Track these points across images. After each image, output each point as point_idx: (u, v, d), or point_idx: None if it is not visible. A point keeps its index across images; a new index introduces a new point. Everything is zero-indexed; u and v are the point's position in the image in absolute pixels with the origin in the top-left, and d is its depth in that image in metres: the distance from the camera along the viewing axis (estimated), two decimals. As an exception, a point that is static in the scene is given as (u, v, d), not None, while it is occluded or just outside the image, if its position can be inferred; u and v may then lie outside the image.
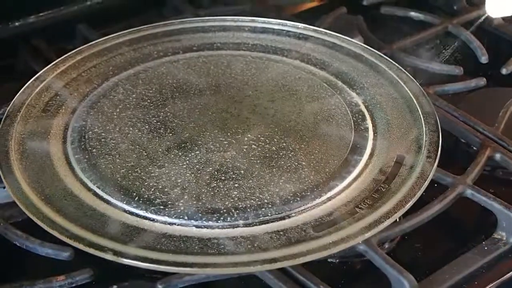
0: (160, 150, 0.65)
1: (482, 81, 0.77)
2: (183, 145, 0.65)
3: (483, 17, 0.74)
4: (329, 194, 0.60)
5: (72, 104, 0.70)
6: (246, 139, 0.66)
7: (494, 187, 0.65)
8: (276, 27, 0.81)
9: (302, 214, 0.59)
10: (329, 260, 0.61)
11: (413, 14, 0.90)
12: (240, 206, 0.59)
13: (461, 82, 0.77)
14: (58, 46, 0.82)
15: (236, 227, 0.58)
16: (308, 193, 0.60)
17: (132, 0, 0.91)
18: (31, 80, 0.72)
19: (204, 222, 0.58)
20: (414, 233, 0.61)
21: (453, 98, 0.76)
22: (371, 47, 0.78)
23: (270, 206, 0.59)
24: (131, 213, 0.59)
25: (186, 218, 0.58)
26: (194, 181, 0.61)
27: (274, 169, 0.62)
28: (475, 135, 0.70)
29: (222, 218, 0.58)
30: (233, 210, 0.59)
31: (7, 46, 0.83)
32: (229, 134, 0.66)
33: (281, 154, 0.64)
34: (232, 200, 0.60)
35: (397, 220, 0.59)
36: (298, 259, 0.55)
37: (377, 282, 0.58)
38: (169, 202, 0.59)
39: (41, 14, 0.85)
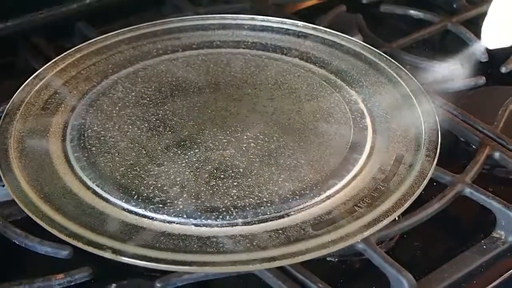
0: (159, 148, 0.65)
1: (481, 80, 0.77)
2: (182, 143, 0.65)
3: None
4: (328, 193, 0.60)
5: (71, 102, 0.70)
6: (245, 137, 0.66)
7: (493, 185, 0.65)
8: (275, 25, 0.81)
9: (301, 212, 0.59)
10: (328, 258, 0.60)
11: (412, 12, 0.90)
12: (239, 204, 0.59)
13: (461, 81, 0.77)
14: (57, 44, 0.82)
15: (235, 226, 0.58)
16: (307, 192, 0.60)
17: (131, -2, 0.91)
18: (30, 78, 0.72)
19: (203, 220, 0.58)
20: (413, 232, 0.61)
21: (452, 96, 0.76)
22: (370, 45, 0.78)
23: (269, 204, 0.59)
24: (130, 212, 0.59)
25: (185, 216, 0.58)
26: (193, 179, 0.61)
27: (273, 168, 0.62)
28: (474, 133, 0.70)
29: (221, 217, 0.58)
30: (232, 209, 0.59)
31: (7, 44, 0.83)
32: (228, 132, 0.66)
33: (280, 152, 0.64)
34: (231, 199, 0.60)
35: (396, 218, 0.59)
36: (297, 258, 0.55)
37: (376, 281, 0.58)
38: (168, 201, 0.59)
39: (40, 12, 0.85)
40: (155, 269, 0.55)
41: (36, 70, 0.73)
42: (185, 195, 0.60)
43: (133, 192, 0.60)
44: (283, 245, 0.56)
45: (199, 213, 0.58)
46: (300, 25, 0.81)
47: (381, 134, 0.66)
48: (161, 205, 0.59)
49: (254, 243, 0.56)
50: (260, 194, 0.60)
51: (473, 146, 0.69)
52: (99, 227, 0.57)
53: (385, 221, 0.58)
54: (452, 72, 0.78)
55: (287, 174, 0.62)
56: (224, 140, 0.65)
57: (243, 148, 0.65)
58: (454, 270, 0.59)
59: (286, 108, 0.70)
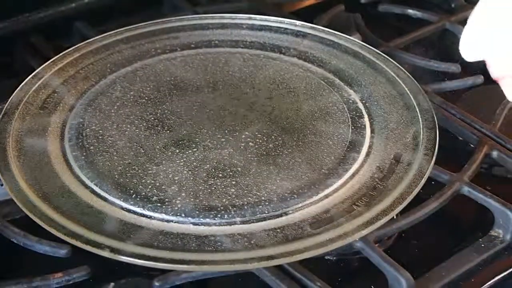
0: (158, 147, 0.65)
1: (479, 79, 0.77)
2: (180, 142, 0.65)
3: None
4: (326, 192, 0.60)
5: (69, 101, 0.70)
6: (243, 136, 0.66)
7: (491, 184, 0.65)
8: (274, 24, 0.81)
9: (299, 211, 0.59)
10: (326, 257, 0.61)
11: (410, 11, 0.90)
12: (237, 203, 0.59)
13: (459, 80, 0.77)
14: (56, 43, 0.82)
15: (233, 225, 0.58)
16: (305, 191, 0.60)
17: (130, -2, 0.91)
18: (28, 78, 0.72)
19: (201, 219, 0.58)
20: (411, 231, 0.61)
21: (450, 95, 0.76)
22: (369, 44, 0.78)
23: (267, 203, 0.59)
24: (128, 211, 0.59)
25: (183, 215, 0.58)
26: (191, 178, 0.61)
27: (271, 167, 0.63)
28: (472, 132, 0.70)
29: (219, 216, 0.58)
30: (230, 208, 0.59)
31: (5, 43, 0.83)
32: (226, 131, 0.66)
33: (278, 151, 0.64)
34: (229, 198, 0.60)
35: (394, 217, 0.59)
36: (295, 257, 0.55)
37: (374, 280, 0.58)
38: (166, 200, 0.59)
39: (39, 11, 0.85)
40: (154, 268, 0.55)
41: (35, 70, 0.73)
42: (183, 194, 0.60)
43: (131, 191, 0.60)
44: (281, 243, 0.56)
45: (197, 212, 0.58)
46: (298, 25, 0.81)
47: (379, 133, 0.67)
48: (159, 204, 0.59)
49: (252, 242, 0.56)
50: (258, 193, 0.60)
51: (471, 145, 0.69)
52: (98, 226, 0.57)
53: (383, 220, 0.58)
54: (450, 71, 0.78)
55: (285, 173, 0.62)
56: (222, 139, 0.65)
57: (241, 147, 0.65)
58: (452, 269, 0.59)
59: (284, 107, 0.70)
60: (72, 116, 0.68)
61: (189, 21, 0.82)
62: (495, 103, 0.74)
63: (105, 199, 0.60)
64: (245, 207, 0.59)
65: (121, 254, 0.54)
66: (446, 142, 0.67)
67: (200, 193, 0.60)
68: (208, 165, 0.63)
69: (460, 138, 0.71)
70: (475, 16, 0.59)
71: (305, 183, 0.61)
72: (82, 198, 0.60)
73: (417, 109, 0.68)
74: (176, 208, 0.59)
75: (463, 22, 0.85)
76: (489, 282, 0.59)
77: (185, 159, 0.63)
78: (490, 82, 0.78)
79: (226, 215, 0.58)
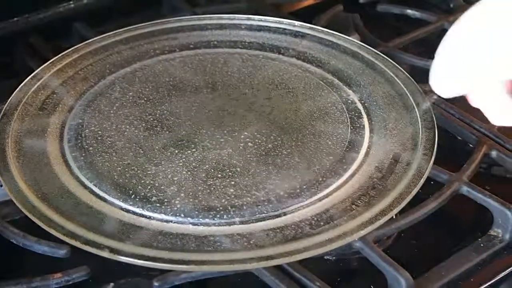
0: (157, 148, 0.65)
1: (478, 79, 0.77)
2: (179, 143, 0.65)
3: None
4: (325, 192, 0.61)
5: (69, 102, 0.70)
6: (242, 137, 0.66)
7: (490, 184, 0.65)
8: (272, 25, 0.81)
9: (299, 211, 0.59)
10: (325, 257, 0.61)
11: (409, 11, 0.90)
12: (237, 203, 0.59)
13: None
14: (55, 44, 0.82)
15: (232, 225, 0.58)
16: (304, 191, 0.60)
17: (128, -2, 0.91)
18: (28, 78, 0.72)
19: (201, 219, 0.58)
20: (410, 230, 0.61)
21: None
22: (367, 45, 0.78)
23: (266, 203, 0.59)
24: (128, 211, 0.59)
25: (182, 215, 0.58)
26: (191, 178, 0.61)
27: (270, 167, 0.63)
28: (471, 132, 0.70)
29: (218, 216, 0.58)
30: (229, 208, 0.59)
31: (4, 44, 0.83)
32: (225, 132, 0.66)
33: (277, 151, 0.64)
34: (228, 198, 0.60)
35: (394, 217, 0.59)
36: (294, 256, 0.55)
37: (374, 279, 0.58)
38: (166, 200, 0.59)
39: (38, 12, 0.85)
40: (153, 268, 0.55)
41: (34, 71, 0.73)
42: (182, 194, 0.60)
43: (131, 192, 0.60)
44: (281, 243, 0.56)
45: (196, 212, 0.58)
46: (297, 25, 0.81)
47: (378, 133, 0.67)
48: (158, 204, 0.59)
49: (252, 242, 0.56)
50: (257, 193, 0.60)
51: (470, 145, 0.69)
52: (97, 226, 0.57)
53: (383, 220, 0.58)
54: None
55: (284, 173, 0.62)
56: (222, 140, 0.65)
57: (240, 148, 0.65)
58: (451, 268, 0.59)
59: (283, 108, 0.70)
60: (71, 117, 0.68)
61: (187, 21, 0.82)
62: (494, 103, 0.74)
63: (104, 200, 0.60)
64: (244, 207, 0.59)
65: (120, 254, 0.54)
66: (445, 142, 0.67)
67: (199, 193, 0.60)
68: (207, 166, 0.63)
69: (459, 138, 0.71)
70: (444, 50, 0.58)
71: (304, 183, 0.61)
72: (82, 198, 0.60)
73: (416, 109, 0.68)
74: (175, 208, 0.59)
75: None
76: (489, 282, 0.59)
77: (184, 159, 0.63)
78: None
79: (225, 215, 0.58)
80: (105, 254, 0.55)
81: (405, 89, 0.71)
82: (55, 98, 0.71)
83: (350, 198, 0.60)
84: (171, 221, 0.58)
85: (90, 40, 0.78)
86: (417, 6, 0.91)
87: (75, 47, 0.77)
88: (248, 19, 0.82)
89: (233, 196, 0.60)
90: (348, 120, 0.68)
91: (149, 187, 0.61)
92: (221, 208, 0.59)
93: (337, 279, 0.60)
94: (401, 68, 0.74)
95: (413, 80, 0.72)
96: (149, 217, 0.58)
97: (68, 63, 0.75)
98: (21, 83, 0.71)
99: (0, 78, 0.80)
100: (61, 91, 0.71)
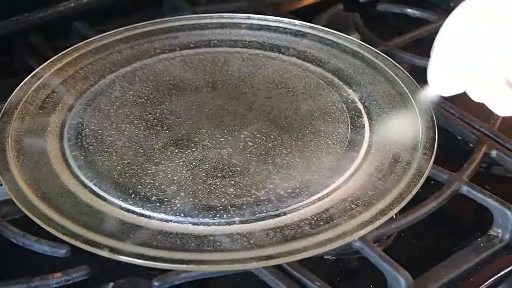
0: (157, 147, 0.65)
1: (478, 78, 0.77)
2: (179, 142, 0.65)
3: None
4: (325, 191, 0.61)
5: (69, 101, 0.70)
6: (242, 136, 0.66)
7: (490, 184, 0.65)
8: (273, 24, 0.81)
9: (298, 211, 0.59)
10: (325, 257, 0.61)
11: (409, 11, 0.90)
12: (236, 203, 0.59)
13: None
14: (55, 43, 0.82)
15: (232, 224, 0.58)
16: (304, 190, 0.60)
17: (129, -3, 0.91)
18: (28, 77, 0.72)
19: (201, 219, 0.58)
20: (410, 230, 0.61)
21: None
22: (367, 44, 0.78)
23: (266, 203, 0.59)
24: (128, 210, 0.59)
25: (182, 215, 0.58)
26: (191, 178, 0.61)
27: (270, 166, 0.63)
28: (471, 131, 0.70)
29: (218, 215, 0.58)
30: (229, 207, 0.59)
31: (4, 43, 0.83)
32: (225, 131, 0.66)
33: (277, 151, 0.64)
34: (228, 197, 0.60)
35: (393, 217, 0.59)
36: (294, 256, 0.55)
37: (373, 279, 0.58)
38: (166, 199, 0.59)
39: (38, 11, 0.85)
40: (153, 268, 0.55)
41: (34, 69, 0.73)
42: (182, 194, 0.60)
43: (131, 191, 0.60)
44: (280, 243, 0.56)
45: (196, 212, 0.58)
46: (297, 24, 0.81)
47: (378, 133, 0.67)
48: (158, 204, 0.59)
49: (251, 242, 0.56)
50: (257, 193, 0.60)
51: (470, 144, 0.69)
52: (97, 225, 0.57)
53: (382, 219, 0.58)
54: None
55: (284, 172, 0.62)
56: (222, 139, 0.65)
57: (240, 147, 0.65)
58: (451, 268, 0.59)
59: (283, 107, 0.70)
60: (71, 116, 0.68)
61: (188, 20, 0.82)
62: (494, 103, 0.74)
63: (104, 199, 0.60)
64: (244, 207, 0.59)
65: (120, 253, 0.54)
66: (445, 141, 0.67)
67: (199, 192, 0.60)
68: (207, 165, 0.63)
69: (459, 138, 0.71)
70: (441, 48, 0.58)
71: (304, 182, 0.61)
72: (81, 198, 0.60)
73: (416, 109, 0.68)
74: (175, 207, 0.59)
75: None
76: (488, 282, 0.59)
77: (184, 158, 0.63)
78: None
79: (225, 215, 0.58)
80: (105, 253, 0.55)
81: (405, 88, 0.71)
82: (55, 97, 0.71)
83: (350, 198, 0.60)
84: (171, 221, 0.58)
85: (90, 39, 0.78)
86: (417, 5, 0.91)
87: (75, 46, 0.77)
88: (249, 18, 0.82)
89: (233, 196, 0.60)
90: (348, 120, 0.68)
91: (149, 186, 0.61)
92: (221, 207, 0.59)
93: (337, 278, 0.60)
94: (401, 68, 0.74)
95: (413, 79, 0.72)
96: (149, 217, 0.58)
97: (68, 62, 0.75)
98: (21, 82, 0.71)
99: (0, 77, 0.80)
100: (61, 90, 0.71)
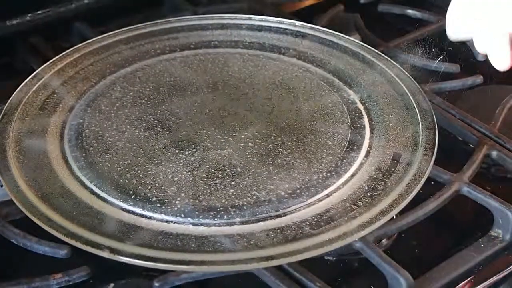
0: (157, 148, 0.65)
1: (479, 79, 0.77)
2: (180, 143, 0.65)
3: None
4: (325, 192, 0.61)
5: (69, 102, 0.70)
6: (243, 137, 0.66)
7: (490, 184, 0.65)
8: (273, 25, 0.81)
9: (299, 211, 0.59)
10: (326, 257, 0.61)
11: (410, 11, 0.90)
12: (237, 204, 0.59)
13: (458, 80, 0.77)
14: (55, 44, 0.83)
15: (232, 225, 0.58)
16: (305, 191, 0.60)
17: (129, -2, 0.91)
18: (28, 78, 0.72)
19: (201, 220, 0.58)
20: (410, 231, 0.61)
21: (450, 95, 0.76)
22: (368, 45, 0.78)
23: (266, 203, 0.59)
24: (128, 211, 0.59)
25: (182, 216, 0.58)
26: (191, 179, 0.61)
27: (270, 167, 0.63)
28: (472, 132, 0.70)
29: (218, 216, 0.58)
30: (229, 208, 0.59)
31: (5, 44, 0.83)
32: (226, 132, 0.66)
33: (277, 151, 0.64)
34: (228, 198, 0.60)
35: (394, 217, 0.59)
36: (294, 257, 0.55)
37: (374, 280, 0.58)
38: (166, 200, 0.59)
39: (38, 12, 0.85)
40: (153, 269, 0.55)
41: (34, 70, 0.73)
42: (182, 195, 0.60)
43: (131, 192, 0.60)
44: (281, 244, 0.56)
45: (196, 213, 0.58)
46: (298, 25, 0.81)
47: (379, 133, 0.67)
48: (158, 205, 0.59)
49: (252, 242, 0.56)
50: (257, 193, 0.60)
51: (471, 145, 0.69)
52: (97, 226, 0.57)
53: (383, 220, 0.58)
54: (449, 71, 0.78)
55: (285, 173, 0.62)
56: (222, 140, 0.65)
57: (241, 148, 0.65)
58: (451, 269, 0.59)
59: (283, 108, 0.70)
60: (72, 116, 0.68)
61: (188, 21, 0.82)
62: (494, 103, 0.74)
63: (104, 200, 0.60)
64: (245, 208, 0.59)
65: (120, 254, 0.54)
66: (445, 142, 0.67)
67: (200, 193, 0.60)
68: (207, 166, 0.63)
69: (460, 138, 0.71)
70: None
71: (305, 183, 0.61)
72: (82, 198, 0.60)
73: (417, 109, 0.68)
74: (176, 208, 0.59)
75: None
76: (489, 282, 0.59)
77: (184, 159, 0.63)
78: (490, 82, 0.78)
79: (225, 216, 0.58)
80: (106, 254, 0.55)
81: (405, 89, 0.71)
82: (56, 98, 0.71)
83: (351, 199, 0.60)
84: (172, 222, 0.58)
85: (90, 40, 0.78)
86: (417, 6, 0.91)
87: (76, 47, 0.77)
88: (249, 19, 0.82)
89: (233, 196, 0.60)
90: (349, 120, 0.68)
91: (149, 187, 0.61)
92: (221, 208, 0.59)
93: (337, 279, 0.60)
94: (401, 68, 0.74)
95: (413, 80, 0.72)
96: (150, 217, 0.58)
97: (68, 63, 0.75)
98: (21, 83, 0.71)
99: (0, 78, 0.80)
100: (61, 91, 0.71)
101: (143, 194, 0.60)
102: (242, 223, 0.58)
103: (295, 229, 0.57)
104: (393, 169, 0.63)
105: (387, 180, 0.61)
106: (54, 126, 0.67)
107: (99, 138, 0.66)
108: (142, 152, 0.64)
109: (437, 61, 0.79)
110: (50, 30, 0.85)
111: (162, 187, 0.61)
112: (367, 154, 0.64)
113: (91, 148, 0.65)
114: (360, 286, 0.60)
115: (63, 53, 0.76)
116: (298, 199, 0.60)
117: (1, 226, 0.59)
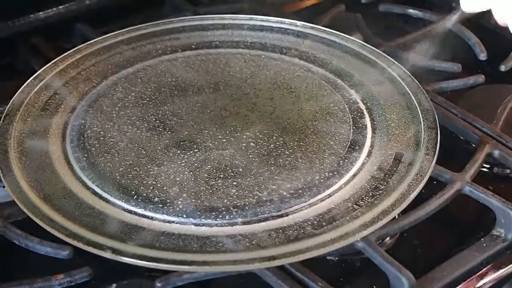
0: (159, 148, 0.65)
1: (480, 78, 0.77)
2: (181, 143, 0.65)
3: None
4: (327, 192, 0.60)
5: (71, 102, 0.70)
6: (244, 137, 0.66)
7: (492, 184, 0.65)
8: (275, 25, 0.81)
9: (301, 211, 0.59)
10: (328, 257, 0.61)
11: (411, 11, 0.91)
12: (239, 204, 0.59)
13: (460, 79, 0.77)
14: (57, 45, 0.83)
15: (234, 225, 0.58)
16: (307, 191, 0.60)
17: (131, -1, 0.91)
18: (30, 79, 0.72)
19: (203, 220, 0.58)
20: (412, 230, 0.61)
21: (451, 95, 0.76)
22: (369, 44, 0.78)
23: (268, 204, 0.59)
24: (130, 212, 0.59)
25: (184, 216, 0.58)
26: (193, 179, 0.61)
27: (272, 167, 0.63)
28: (473, 132, 0.70)
29: (220, 216, 0.58)
30: (231, 208, 0.59)
31: (7, 44, 0.83)
32: (227, 132, 0.66)
33: (279, 151, 0.64)
34: (230, 198, 0.60)
35: (396, 217, 0.59)
36: (296, 257, 0.55)
37: (376, 280, 0.58)
38: (168, 200, 0.59)
39: (40, 13, 0.86)
40: (155, 269, 0.55)
41: (36, 71, 0.74)
42: (184, 195, 0.60)
43: (133, 192, 0.60)
44: (283, 244, 0.56)
45: (198, 213, 0.58)
46: (299, 25, 0.81)
47: (381, 133, 0.67)
48: (160, 205, 0.59)
49: (254, 242, 0.56)
50: (259, 194, 0.60)
51: (473, 145, 0.69)
52: (99, 227, 0.57)
53: (385, 220, 0.58)
54: (451, 70, 0.78)
55: (287, 173, 0.62)
56: (224, 140, 0.65)
57: (243, 148, 0.65)
58: (453, 268, 0.59)
59: (285, 108, 0.70)
60: (74, 117, 0.69)
61: (190, 22, 0.82)
62: (496, 103, 0.74)
63: (106, 200, 0.60)
64: (247, 208, 0.59)
65: (122, 255, 0.54)
66: (447, 141, 0.67)
67: (202, 194, 0.60)
68: (209, 166, 0.63)
69: (462, 138, 0.71)
70: None
71: (307, 183, 0.61)
72: (84, 199, 0.60)
73: (418, 109, 0.68)
74: (178, 209, 0.59)
75: (464, 22, 0.86)
76: (491, 282, 0.59)
77: (186, 160, 0.63)
78: (491, 82, 0.78)
79: (227, 216, 0.58)
80: (107, 255, 0.55)
81: (407, 88, 0.71)
82: (58, 98, 0.71)
83: (352, 198, 0.60)
84: (173, 222, 0.58)
85: (92, 41, 0.78)
86: (419, 6, 0.91)
87: (77, 47, 0.77)
88: (250, 19, 0.82)
89: (235, 197, 0.60)
90: (351, 120, 0.68)
91: (151, 187, 0.61)
92: (223, 208, 0.59)
93: (339, 279, 0.60)
94: (403, 68, 0.74)
95: (415, 79, 0.72)
96: (151, 218, 0.58)
97: (70, 63, 0.75)
98: (23, 83, 0.71)
99: (2, 78, 0.80)
100: (63, 92, 0.71)
101: (145, 194, 0.60)
102: (244, 223, 0.58)
103: (297, 229, 0.57)
104: (395, 168, 0.63)
105: (389, 180, 0.61)
106: (56, 127, 0.67)
107: (101, 138, 0.66)
108: (144, 152, 0.64)
109: (439, 60, 0.79)
110: (51, 31, 0.85)
111: (164, 188, 0.61)
112: (369, 153, 0.64)
113: (93, 148, 0.65)
114: (362, 286, 0.60)
115: (65, 54, 0.76)
116: (300, 199, 0.60)
117: (3, 227, 0.59)
